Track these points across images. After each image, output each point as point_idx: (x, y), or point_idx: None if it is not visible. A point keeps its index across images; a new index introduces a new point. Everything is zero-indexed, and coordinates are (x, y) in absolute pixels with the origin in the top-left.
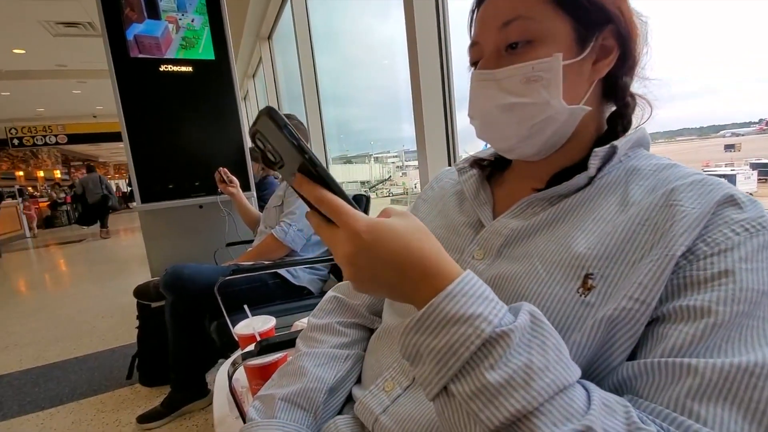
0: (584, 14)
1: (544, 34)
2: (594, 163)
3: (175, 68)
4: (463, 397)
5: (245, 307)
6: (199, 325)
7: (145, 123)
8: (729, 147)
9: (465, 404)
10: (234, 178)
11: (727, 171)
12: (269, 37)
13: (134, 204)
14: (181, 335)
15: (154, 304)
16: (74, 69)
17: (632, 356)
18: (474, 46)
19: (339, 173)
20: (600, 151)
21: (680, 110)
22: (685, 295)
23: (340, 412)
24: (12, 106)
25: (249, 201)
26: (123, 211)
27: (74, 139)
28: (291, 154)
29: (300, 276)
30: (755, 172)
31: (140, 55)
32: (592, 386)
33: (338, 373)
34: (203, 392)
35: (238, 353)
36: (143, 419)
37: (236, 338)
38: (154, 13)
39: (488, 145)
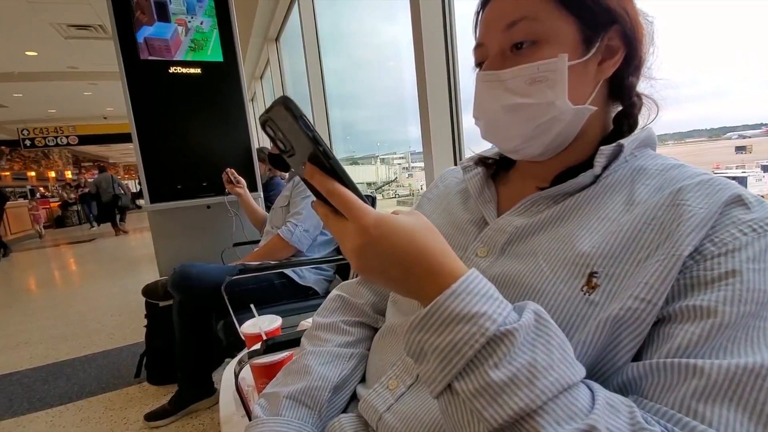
0: (589, 15)
1: (549, 34)
2: (600, 161)
3: (184, 70)
4: (466, 395)
5: (251, 306)
6: (206, 325)
7: (154, 124)
8: (740, 149)
9: (469, 402)
10: (241, 179)
11: (738, 173)
12: (277, 39)
13: (142, 202)
14: (188, 334)
15: (162, 303)
16: (85, 71)
17: (637, 356)
18: (479, 47)
19: None
20: (606, 150)
21: (691, 112)
22: (692, 295)
23: (344, 411)
24: (24, 107)
25: (256, 201)
26: (132, 211)
27: (85, 140)
28: (304, 145)
29: (306, 276)
30: (767, 174)
31: (150, 57)
32: (596, 386)
33: (342, 372)
34: (210, 391)
35: (244, 352)
36: (151, 417)
37: (243, 337)
38: (163, 15)
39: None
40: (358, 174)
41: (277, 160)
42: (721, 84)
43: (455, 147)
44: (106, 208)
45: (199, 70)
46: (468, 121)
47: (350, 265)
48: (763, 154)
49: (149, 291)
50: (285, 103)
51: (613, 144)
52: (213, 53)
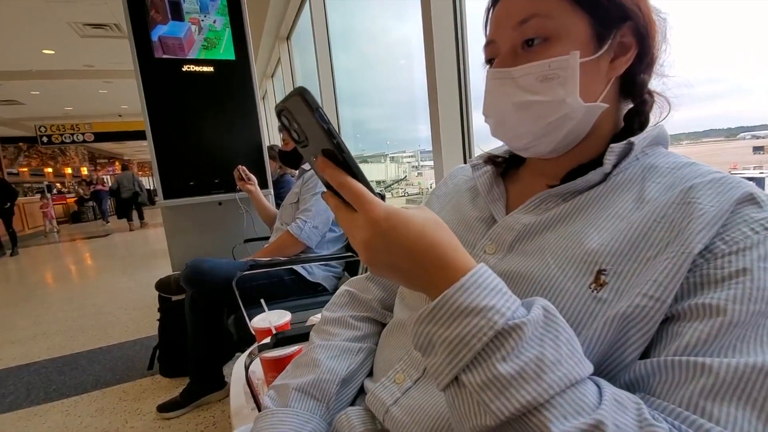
0: (602, 11)
1: (561, 31)
2: (610, 159)
3: (197, 68)
4: (474, 388)
5: (262, 301)
6: (218, 319)
7: (167, 122)
8: (758, 149)
9: (476, 394)
10: (252, 176)
11: (756, 174)
12: (288, 38)
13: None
14: (200, 328)
15: (174, 298)
16: (101, 69)
17: (645, 354)
18: (489, 44)
19: None
20: (616, 147)
21: (707, 111)
22: (701, 293)
23: (352, 404)
24: (41, 104)
25: (266, 198)
26: (146, 207)
27: (100, 137)
28: (318, 137)
29: (315, 273)
30: None
31: (164, 56)
32: (603, 382)
33: (351, 366)
34: (221, 384)
35: (254, 346)
36: (163, 408)
37: (253, 331)
38: (177, 14)
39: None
40: (367, 172)
41: (287, 158)
42: (742, 84)
43: (465, 145)
44: (126, 205)
45: (211, 69)
46: (478, 119)
47: (359, 260)
48: None
49: (162, 285)
50: (302, 94)
51: (624, 142)
52: (225, 51)
